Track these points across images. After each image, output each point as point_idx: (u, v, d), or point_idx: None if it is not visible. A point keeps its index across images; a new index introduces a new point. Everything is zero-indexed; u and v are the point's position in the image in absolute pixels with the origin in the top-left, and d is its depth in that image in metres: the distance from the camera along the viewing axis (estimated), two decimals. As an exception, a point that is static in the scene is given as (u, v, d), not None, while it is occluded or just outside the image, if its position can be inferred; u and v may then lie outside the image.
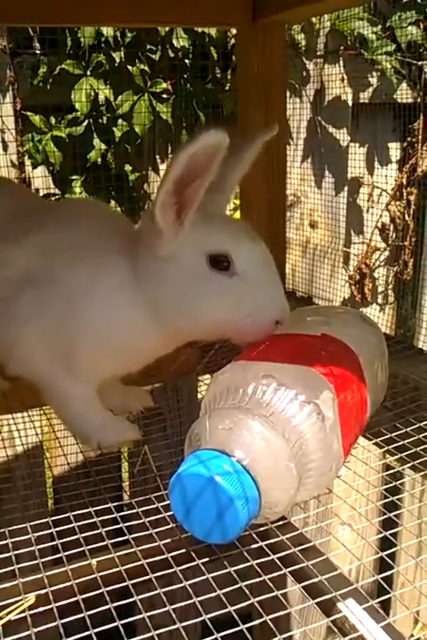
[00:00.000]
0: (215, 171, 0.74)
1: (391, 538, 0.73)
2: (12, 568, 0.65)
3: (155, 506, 0.74)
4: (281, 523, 0.72)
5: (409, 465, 0.83)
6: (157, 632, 0.56)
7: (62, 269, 0.85)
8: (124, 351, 0.86)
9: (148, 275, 0.82)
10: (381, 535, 0.76)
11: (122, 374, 0.94)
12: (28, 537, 0.70)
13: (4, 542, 0.69)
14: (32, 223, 0.90)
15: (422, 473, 0.83)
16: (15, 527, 0.72)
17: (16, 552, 0.68)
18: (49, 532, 0.71)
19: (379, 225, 2.14)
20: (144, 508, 0.74)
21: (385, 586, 0.71)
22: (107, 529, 0.71)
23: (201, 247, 0.79)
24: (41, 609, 0.60)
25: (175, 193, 0.76)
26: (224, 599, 0.61)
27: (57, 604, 0.59)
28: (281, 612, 0.61)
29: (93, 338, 0.84)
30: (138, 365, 0.91)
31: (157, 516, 0.73)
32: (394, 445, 0.85)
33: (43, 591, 0.62)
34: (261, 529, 0.70)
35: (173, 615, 0.57)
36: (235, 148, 0.86)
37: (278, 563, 0.66)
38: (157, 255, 0.80)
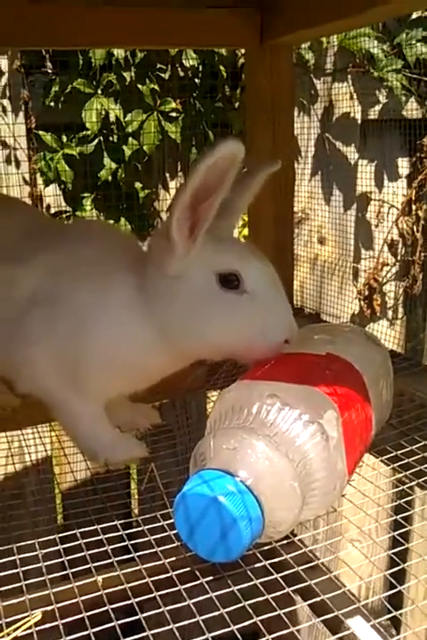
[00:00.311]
0: (229, 185, 0.75)
1: (398, 557, 0.73)
2: (19, 584, 0.66)
3: (161, 524, 0.75)
4: (287, 541, 0.73)
5: (414, 483, 0.83)
6: None
7: (70, 288, 0.86)
8: (132, 369, 0.87)
9: (157, 293, 0.83)
10: (390, 552, 0.76)
11: (130, 392, 0.95)
12: (35, 553, 0.71)
13: (11, 558, 0.70)
14: (41, 243, 0.91)
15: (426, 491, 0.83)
16: (23, 543, 0.73)
17: (24, 568, 0.69)
18: (56, 548, 0.72)
19: (388, 240, 2.14)
20: (150, 526, 0.75)
21: (390, 606, 0.71)
22: (114, 546, 0.72)
23: (211, 266, 0.80)
24: (47, 625, 0.61)
25: (190, 207, 0.77)
26: (228, 618, 0.61)
27: (63, 621, 0.60)
28: (284, 631, 0.62)
29: (101, 356, 0.85)
30: (146, 383, 0.92)
31: (163, 534, 0.73)
32: (399, 463, 0.85)
33: (49, 608, 0.63)
34: (267, 548, 0.71)
35: (177, 633, 0.58)
36: (242, 173, 0.87)
37: (281, 582, 0.66)
38: (167, 273, 0.81)
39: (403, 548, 0.75)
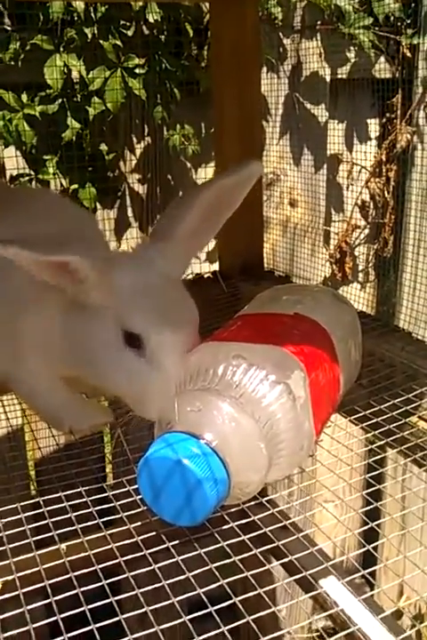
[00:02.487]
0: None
1: (371, 517, 0.73)
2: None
3: (127, 489, 0.74)
4: (257, 502, 0.72)
5: (384, 442, 0.83)
6: (136, 612, 0.56)
7: (11, 275, 0.81)
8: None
9: (74, 310, 0.80)
10: (359, 511, 0.76)
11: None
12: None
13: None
14: None
15: (396, 450, 0.83)
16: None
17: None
18: (18, 517, 0.70)
19: (359, 202, 2.13)
20: (116, 492, 0.74)
21: (365, 565, 0.71)
22: (80, 513, 0.70)
23: (120, 320, 0.77)
24: (7, 595, 0.59)
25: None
26: (206, 580, 0.60)
27: (24, 590, 0.59)
28: (251, 593, 0.61)
29: (33, 347, 0.83)
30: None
31: (130, 499, 0.72)
32: (369, 423, 0.85)
33: (10, 577, 0.61)
34: (239, 508, 0.70)
35: (141, 599, 0.57)
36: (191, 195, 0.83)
37: (249, 543, 0.65)
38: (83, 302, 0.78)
39: (375, 507, 0.75)
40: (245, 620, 0.55)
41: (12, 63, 1.57)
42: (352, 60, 1.99)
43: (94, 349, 0.79)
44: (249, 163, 0.85)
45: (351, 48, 1.97)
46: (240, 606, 0.58)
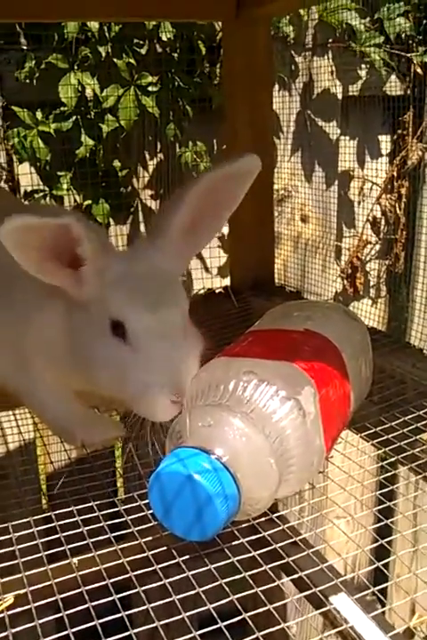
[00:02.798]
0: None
1: (382, 533, 0.73)
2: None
3: (138, 504, 0.74)
4: (267, 518, 0.72)
5: (394, 459, 0.83)
6: (147, 627, 0.57)
7: (16, 283, 0.83)
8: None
9: (72, 312, 0.81)
10: (369, 528, 0.76)
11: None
12: (9, 536, 0.70)
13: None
14: None
15: (407, 467, 0.83)
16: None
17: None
18: (30, 531, 0.70)
19: (370, 218, 2.13)
20: (127, 506, 0.74)
21: (377, 582, 0.71)
22: (91, 527, 0.71)
23: (106, 310, 0.77)
24: (19, 609, 0.59)
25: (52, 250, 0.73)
26: (216, 595, 0.60)
27: (35, 605, 0.59)
28: (262, 609, 0.61)
29: (40, 358, 0.84)
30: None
31: (141, 514, 0.72)
32: (379, 440, 0.85)
33: (22, 591, 0.62)
34: (249, 524, 0.70)
35: (152, 613, 0.57)
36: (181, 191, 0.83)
37: (259, 559, 0.65)
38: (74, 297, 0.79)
39: (385, 524, 0.75)
40: (255, 636, 0.55)
41: (28, 81, 1.60)
42: (364, 78, 2.00)
43: (87, 344, 0.79)
44: (243, 156, 0.83)
45: (363, 66, 1.99)
46: (250, 622, 0.58)
